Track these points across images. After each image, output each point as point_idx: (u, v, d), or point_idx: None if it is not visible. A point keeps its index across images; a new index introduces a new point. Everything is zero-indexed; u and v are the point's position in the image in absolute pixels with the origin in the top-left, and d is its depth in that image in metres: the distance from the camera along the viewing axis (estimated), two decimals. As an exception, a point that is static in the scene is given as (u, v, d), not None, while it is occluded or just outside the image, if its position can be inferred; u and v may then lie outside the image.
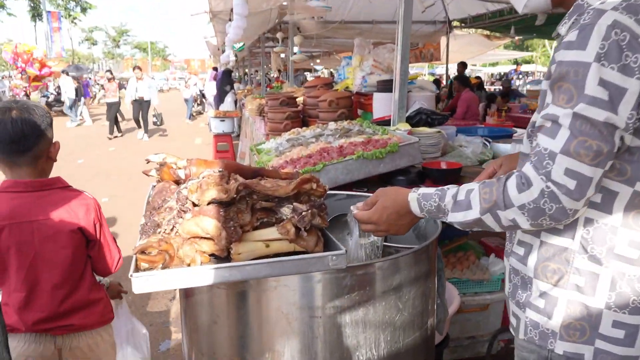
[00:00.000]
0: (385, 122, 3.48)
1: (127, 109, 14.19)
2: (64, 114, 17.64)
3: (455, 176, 2.71)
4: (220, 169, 1.41)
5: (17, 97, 17.84)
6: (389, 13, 8.27)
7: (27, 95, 18.67)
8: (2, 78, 22.82)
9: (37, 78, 19.69)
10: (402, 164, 2.60)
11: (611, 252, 1.10)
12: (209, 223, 1.25)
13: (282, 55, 12.55)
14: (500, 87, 13.95)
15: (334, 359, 1.37)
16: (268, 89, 9.72)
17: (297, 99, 5.08)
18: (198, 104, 19.86)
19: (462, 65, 11.22)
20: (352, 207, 1.43)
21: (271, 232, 1.29)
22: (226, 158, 8.68)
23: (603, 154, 1.00)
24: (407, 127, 3.15)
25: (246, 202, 1.31)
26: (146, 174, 1.59)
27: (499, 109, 8.19)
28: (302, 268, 1.24)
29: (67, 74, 17.89)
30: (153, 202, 1.47)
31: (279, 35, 9.02)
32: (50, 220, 1.74)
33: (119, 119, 14.59)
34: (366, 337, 1.38)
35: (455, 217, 1.17)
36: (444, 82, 14.41)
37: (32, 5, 41.49)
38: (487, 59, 23.47)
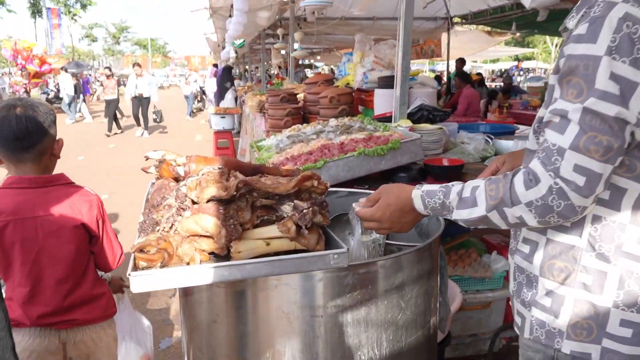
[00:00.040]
0: (386, 119, 3.46)
1: (126, 106, 14.13)
2: (63, 111, 17.63)
3: (457, 173, 2.69)
4: (220, 166, 1.39)
5: (17, 94, 17.82)
6: (389, 9, 8.23)
7: (27, 92, 18.65)
8: (2, 75, 22.80)
9: (37, 75, 19.67)
10: (404, 160, 2.58)
11: (619, 249, 1.08)
12: (208, 221, 1.23)
13: (283, 52, 12.51)
14: (501, 84, 13.91)
15: (336, 358, 1.35)
16: (268, 85, 9.69)
17: (297, 96, 5.05)
18: (198, 101, 19.82)
19: (461, 61, 11.17)
20: (354, 204, 1.41)
21: (272, 230, 1.28)
22: (226, 155, 8.68)
23: (613, 149, 0.98)
24: (409, 123, 3.13)
25: (246, 199, 1.29)
26: (145, 171, 1.57)
27: (500, 105, 8.14)
28: (303, 267, 1.22)
29: (66, 71, 17.86)
30: (152, 199, 1.45)
31: (279, 31, 8.98)
32: (53, 216, 1.76)
33: (118, 115, 14.54)
34: (368, 336, 1.36)
35: (460, 215, 1.15)
36: (445, 78, 14.37)
37: (31, 1, 41.41)
38: (488, 55, 23.45)
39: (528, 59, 34.52)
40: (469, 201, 1.13)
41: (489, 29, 11.65)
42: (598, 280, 1.09)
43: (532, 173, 1.03)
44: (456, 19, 9.91)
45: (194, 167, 1.45)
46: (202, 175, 1.33)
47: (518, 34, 12.69)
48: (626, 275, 1.07)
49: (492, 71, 32.59)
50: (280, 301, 1.32)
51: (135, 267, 1.17)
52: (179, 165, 1.51)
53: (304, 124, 3.62)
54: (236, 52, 14.60)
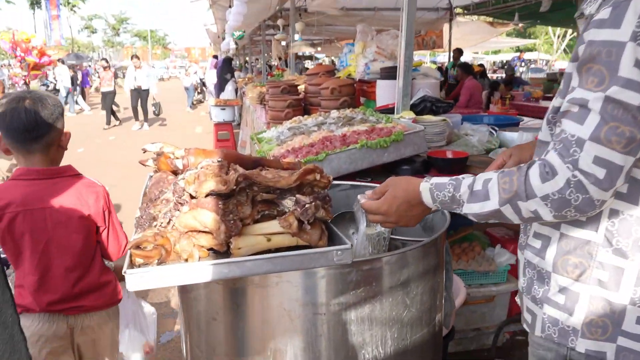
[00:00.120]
0: (388, 110, 3.41)
1: (125, 98, 14.03)
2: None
3: (462, 165, 2.65)
4: (219, 159, 1.34)
5: (16, 86, 17.72)
6: (390, 0, 8.14)
7: (27, 84, 18.53)
8: (1, 67, 22.67)
9: (36, 67, 19.53)
10: (407, 153, 2.54)
11: (637, 244, 1.03)
12: (207, 216, 1.18)
13: (283, 43, 12.42)
14: (503, 75, 13.82)
15: (339, 357, 1.31)
16: (269, 77, 9.62)
17: (298, 87, 5.00)
18: (198, 93, 19.73)
19: (458, 52, 11.06)
20: (359, 196, 1.35)
21: (273, 226, 1.23)
22: (227, 147, 8.64)
23: (636, 140, 0.93)
24: (412, 115, 3.08)
25: (246, 193, 1.24)
26: (143, 164, 1.53)
27: (502, 96, 8.08)
28: (305, 263, 1.17)
29: (63, 63, 17.73)
30: (150, 193, 1.41)
31: (279, 22, 8.90)
32: (61, 207, 1.81)
33: (114, 108, 14.40)
34: (372, 334, 1.32)
35: (471, 209, 1.10)
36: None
37: (30, -8, 41.18)
38: (490, 46, 23.31)
39: (530, 50, 34.34)
40: (481, 194, 1.08)
41: (491, 19, 11.56)
42: (614, 277, 1.05)
43: (549, 165, 0.98)
44: (458, 10, 9.83)
45: (192, 160, 1.41)
46: (201, 168, 1.29)
47: (520, 25, 12.59)
48: None
49: (494, 62, 32.41)
50: (281, 298, 1.28)
51: (132, 264, 1.13)
52: (177, 158, 1.46)
53: (305, 116, 3.58)
54: (236, 43, 14.49)
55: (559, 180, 0.96)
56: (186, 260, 1.18)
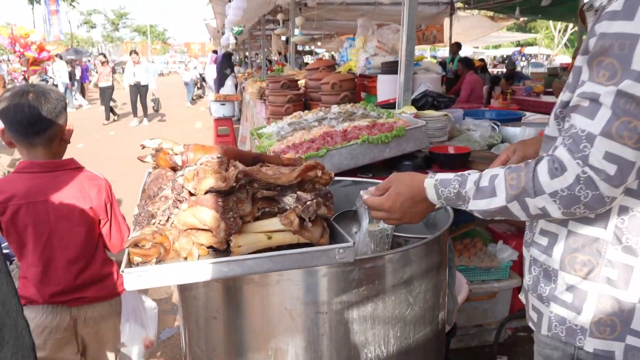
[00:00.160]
0: (390, 105, 3.38)
1: (124, 94, 13.94)
2: (61, 99, 17.46)
3: (464, 161, 2.63)
4: (219, 155, 1.31)
5: (15, 81, 17.67)
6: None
7: (26, 80, 18.47)
8: (0, 62, 22.60)
9: (35, 62, 19.46)
10: (409, 148, 2.51)
11: None
12: (206, 214, 1.16)
13: (283, 38, 12.37)
14: (503, 70, 13.76)
15: (341, 356, 1.30)
16: (269, 72, 9.57)
17: (298, 82, 4.96)
18: (198, 88, 19.67)
19: (457, 46, 10.99)
20: (362, 192, 1.33)
21: (273, 223, 1.21)
22: (227, 142, 8.61)
23: None
24: (413, 110, 3.05)
25: (246, 190, 1.22)
26: (141, 160, 1.52)
27: (503, 91, 8.02)
28: (307, 262, 1.15)
29: (61, 58, 17.65)
30: (148, 189, 1.39)
31: (279, 16, 8.84)
32: (64, 199, 1.83)
33: (111, 103, 14.28)
34: (375, 333, 1.30)
35: (477, 205, 1.08)
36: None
37: (29, -13, 40.95)
38: (490, 41, 23.24)
39: (530, 44, 34.21)
40: (487, 191, 1.05)
41: (491, 13, 11.49)
42: (624, 275, 1.03)
43: (558, 161, 0.96)
44: (459, 4, 9.78)
45: (191, 156, 1.38)
46: (200, 165, 1.26)
47: (521, 19, 12.53)
48: None
49: (494, 57, 32.31)
50: (282, 297, 1.26)
51: (130, 263, 1.11)
52: (176, 154, 1.44)
53: (305, 111, 3.55)
54: (236, 38, 14.44)
55: (568, 177, 0.94)
56: (185, 258, 1.16)
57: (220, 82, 12.31)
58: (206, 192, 1.20)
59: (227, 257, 1.12)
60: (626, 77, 0.90)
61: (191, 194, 1.23)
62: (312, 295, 1.26)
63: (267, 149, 2.72)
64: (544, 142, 1.17)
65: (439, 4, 9.37)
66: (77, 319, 1.93)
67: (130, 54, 13.49)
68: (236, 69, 14.05)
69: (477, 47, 28.89)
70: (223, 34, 13.64)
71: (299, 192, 1.23)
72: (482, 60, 13.26)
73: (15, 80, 18.03)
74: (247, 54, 19.01)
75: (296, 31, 7.76)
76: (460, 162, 2.62)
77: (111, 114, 13.83)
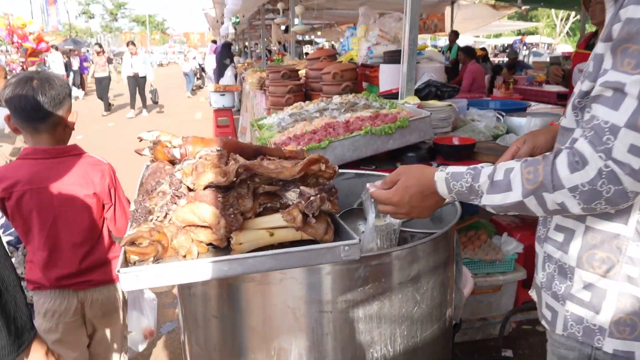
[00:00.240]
0: (392, 95, 3.32)
1: (123, 85, 13.80)
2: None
3: (469, 152, 2.58)
4: (219, 148, 1.26)
5: (14, 72, 17.55)
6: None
7: (24, 71, 18.37)
8: (-1, 52, 22.45)
9: (33, 53, 19.31)
10: (413, 139, 2.46)
11: None
12: (205, 210, 1.11)
13: (283, 27, 12.25)
14: (504, 59, 13.64)
15: (346, 356, 1.26)
16: (269, 62, 9.49)
17: (299, 72, 4.89)
18: (198, 78, 19.55)
19: (455, 35, 10.88)
20: (368, 185, 1.27)
21: (276, 219, 1.15)
22: (227, 133, 8.54)
23: None
24: (417, 100, 2.99)
25: (247, 185, 1.17)
26: (139, 153, 1.46)
27: (505, 81, 7.94)
28: (310, 260, 1.10)
29: (57, 49, 17.50)
30: (146, 184, 1.33)
31: (279, 5, 8.74)
32: (67, 185, 1.86)
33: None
34: (381, 332, 1.26)
35: (492, 200, 1.02)
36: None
37: (26, -23, 40.57)
38: (491, 29, 23.03)
39: (531, 33, 33.96)
40: (503, 185, 1.00)
41: (493, 2, 11.39)
42: None
43: (578, 154, 0.90)
44: (461, -8, 9.66)
45: (190, 149, 1.33)
46: (199, 158, 1.21)
47: (523, 7, 12.41)
48: None
49: (495, 46, 32.08)
50: (285, 296, 1.22)
51: (126, 262, 1.06)
52: (174, 147, 1.38)
53: (306, 102, 3.49)
54: (235, 28, 14.30)
55: (590, 171, 0.89)
56: (184, 256, 1.11)
57: (219, 72, 12.21)
58: (205, 188, 1.15)
59: (228, 256, 1.07)
60: None
61: (190, 189, 1.18)
62: (316, 294, 1.21)
63: (267, 141, 2.67)
64: (559, 134, 1.11)
65: (441, -7, 9.27)
66: (84, 302, 1.98)
67: (128, 45, 13.30)
68: (236, 59, 13.94)
69: (478, 36, 28.69)
70: (222, 23, 13.50)
71: (302, 187, 1.18)
72: (483, 49, 13.12)
73: (14, 71, 17.89)
74: (246, 43, 18.87)
75: (296, 20, 7.68)
76: (465, 153, 2.57)
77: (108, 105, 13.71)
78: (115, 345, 2.16)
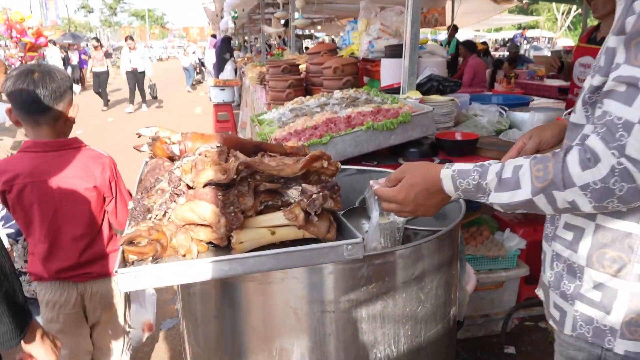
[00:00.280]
0: (393, 90, 3.29)
1: (122, 80, 13.71)
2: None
3: (472, 147, 2.55)
4: (219, 144, 1.24)
5: (12, 67, 17.48)
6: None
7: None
8: (-2, 47, 22.36)
9: (32, 48, 19.23)
10: (415, 135, 2.43)
11: None
12: (205, 209, 1.08)
13: (282, 22, 12.18)
14: (505, 53, 13.57)
15: (349, 357, 1.23)
16: (268, 56, 9.43)
17: (299, 67, 4.85)
18: (197, 73, 19.48)
19: (454, 29, 10.82)
20: (371, 182, 1.23)
21: (277, 218, 1.13)
22: (227, 128, 8.50)
23: None
24: (418, 95, 2.96)
25: (248, 183, 1.14)
26: (137, 150, 1.44)
27: (506, 75, 7.89)
28: (313, 259, 1.07)
29: (54, 44, 17.41)
30: (145, 181, 1.31)
31: (279, -1, 8.69)
32: (68, 178, 1.87)
33: (99, 90, 14.06)
34: (384, 332, 1.24)
35: (500, 198, 0.99)
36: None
37: (25, -29, 40.33)
38: (492, 24, 22.93)
39: (532, 27, 33.81)
40: (511, 183, 0.97)
41: (494, -5, 11.29)
42: None
43: (590, 151, 0.87)
44: (461, -14, 9.60)
45: (189, 146, 1.30)
46: (199, 155, 1.19)
47: (524, 1, 12.33)
48: None
49: (495, 40, 31.94)
50: (287, 295, 1.19)
51: (124, 262, 1.03)
52: (173, 144, 1.36)
53: (307, 96, 3.46)
54: (234, 22, 14.22)
55: (602, 168, 0.86)
56: (184, 256, 1.09)
57: (219, 67, 12.16)
58: (205, 185, 1.12)
59: (228, 255, 1.04)
60: None
61: (189, 187, 1.15)
62: (318, 294, 1.19)
63: (268, 136, 2.64)
64: (569, 130, 1.09)
65: (442, -14, 9.20)
66: (84, 294, 1.99)
67: (126, 39, 13.18)
68: (235, 53, 13.87)
69: (479, 30, 28.55)
70: (222, 17, 13.43)
71: (304, 185, 1.15)
72: (484, 43, 13.04)
73: (13, 66, 17.83)
74: (246, 38, 18.79)
75: (296, 14, 7.62)
76: (468, 148, 2.54)
77: (111, 100, 13.64)
78: (117, 337, 2.17)
